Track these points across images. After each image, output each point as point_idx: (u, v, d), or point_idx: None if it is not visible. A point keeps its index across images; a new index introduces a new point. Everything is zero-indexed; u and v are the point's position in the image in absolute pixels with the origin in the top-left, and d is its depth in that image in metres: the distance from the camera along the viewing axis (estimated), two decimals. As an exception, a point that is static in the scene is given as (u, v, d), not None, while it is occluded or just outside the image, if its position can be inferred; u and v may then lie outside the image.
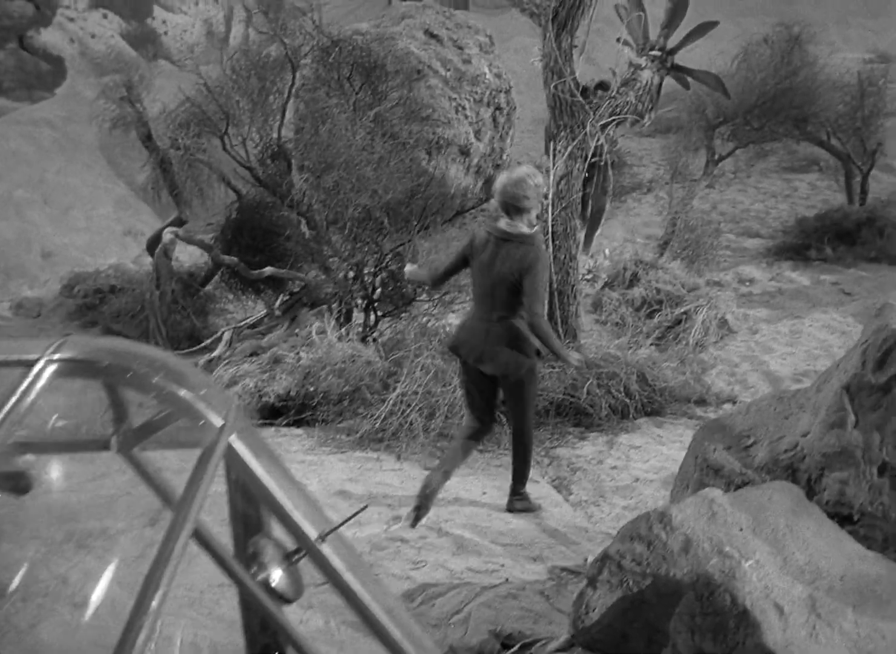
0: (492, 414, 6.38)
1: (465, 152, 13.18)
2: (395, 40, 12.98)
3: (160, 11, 17.88)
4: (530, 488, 6.90)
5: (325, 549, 2.12)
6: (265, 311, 10.19)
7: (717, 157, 12.00)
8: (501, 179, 5.82)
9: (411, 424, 7.12)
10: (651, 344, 10.08)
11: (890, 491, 5.11)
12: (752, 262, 12.66)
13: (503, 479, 7.06)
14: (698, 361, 9.52)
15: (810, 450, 5.28)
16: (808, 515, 4.96)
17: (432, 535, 6.00)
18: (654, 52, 8.49)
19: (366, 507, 4.61)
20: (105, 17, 17.04)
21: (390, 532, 5.91)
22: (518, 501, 6.49)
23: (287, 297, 10.10)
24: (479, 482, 6.92)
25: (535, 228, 6.09)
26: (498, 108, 13.57)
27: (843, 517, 5.20)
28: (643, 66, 8.46)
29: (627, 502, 7.08)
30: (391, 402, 7.17)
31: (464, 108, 13.10)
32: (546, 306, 6.27)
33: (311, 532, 2.10)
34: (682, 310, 10.26)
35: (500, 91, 13.58)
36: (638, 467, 7.56)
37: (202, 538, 1.80)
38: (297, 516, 2.06)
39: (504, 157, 13.80)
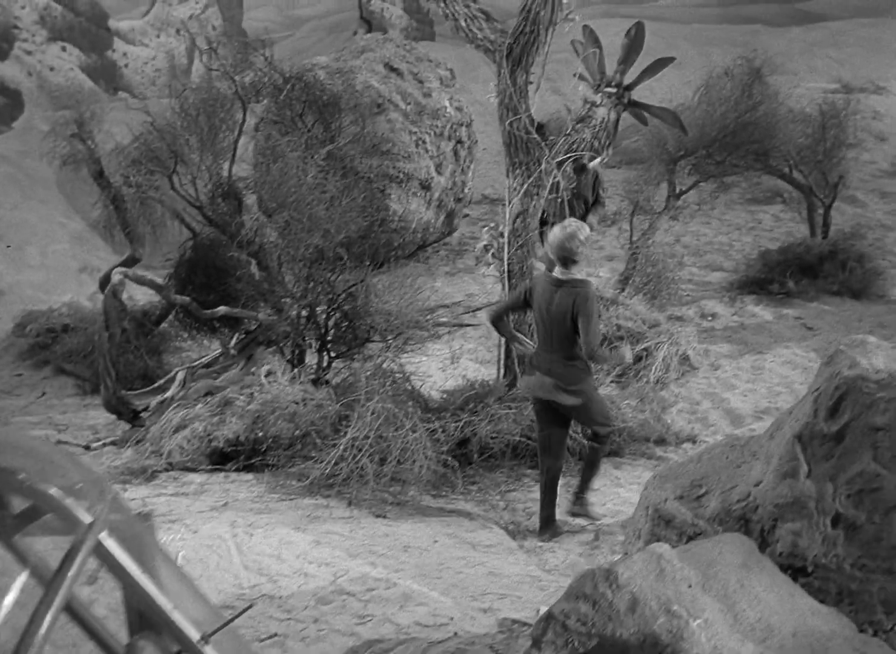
0: (564, 449, 7.24)
1: (425, 187, 13.07)
2: (354, 74, 12.90)
3: (120, 44, 17.73)
4: (483, 535, 6.77)
5: (209, 651, 1.97)
6: (220, 350, 10.01)
7: (678, 190, 11.93)
8: (556, 235, 6.49)
9: (362, 469, 6.95)
10: (612, 381, 9.98)
11: (844, 543, 4.99)
12: (715, 296, 12.59)
13: (456, 526, 6.91)
14: (659, 399, 9.42)
15: (763, 500, 5.16)
16: (760, 568, 4.83)
17: (380, 587, 5.83)
18: (608, 89, 8.40)
19: (251, 605, 4.68)
20: (64, 49, 16.88)
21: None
22: (579, 507, 7.20)
23: (243, 336, 9.93)
24: (431, 530, 6.76)
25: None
26: (459, 141, 13.48)
27: (796, 570, 5.07)
28: (598, 102, 8.37)
29: (582, 549, 6.93)
30: (342, 447, 7.01)
31: (424, 142, 13.00)
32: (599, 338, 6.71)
33: (194, 634, 1.94)
34: (643, 346, 10.16)
35: (462, 124, 13.51)
36: (594, 510, 7.42)
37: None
38: (178, 617, 1.90)
39: (466, 190, 13.72)
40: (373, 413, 6.99)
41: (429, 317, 11.54)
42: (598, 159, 9.17)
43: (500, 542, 6.76)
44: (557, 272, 6.60)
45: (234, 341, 9.99)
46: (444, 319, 11.81)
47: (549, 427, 6.97)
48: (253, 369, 9.08)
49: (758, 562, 4.84)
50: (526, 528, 7.20)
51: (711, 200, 16.07)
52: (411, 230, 13.18)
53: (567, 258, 6.46)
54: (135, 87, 17.74)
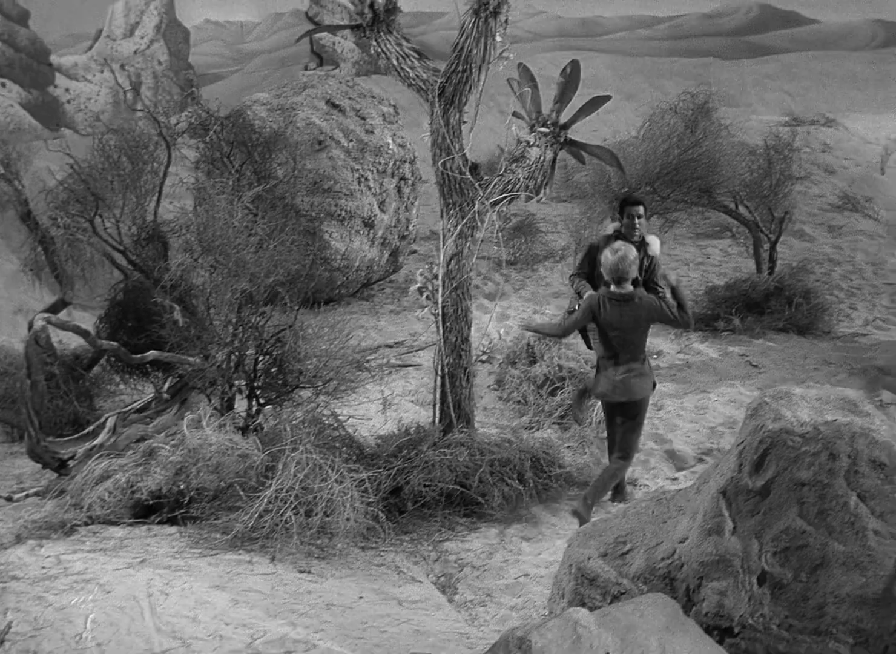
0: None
1: (368, 224, 12.90)
2: (295, 110, 12.74)
3: (63, 80, 17.49)
4: (412, 590, 6.57)
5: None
6: (153, 394, 9.77)
7: (621, 227, 11.80)
8: (609, 259, 7.64)
9: (286, 522, 6.72)
10: (554, 423, 9.82)
11: (770, 602, 4.82)
12: (661, 333, 12.46)
13: (384, 580, 6.71)
14: (599, 441, 9.25)
15: (688, 558, 4.99)
16: (683, 631, 4.65)
17: (299, 649, 5.60)
18: (542, 129, 8.28)
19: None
20: (3, 85, 16.62)
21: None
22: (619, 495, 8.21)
23: (176, 380, 9.69)
24: (357, 585, 6.54)
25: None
26: (403, 178, 13.34)
27: (723, 630, 4.90)
28: (531, 142, 8.24)
29: (515, 602, 6.75)
30: (265, 499, 6.78)
31: (367, 179, 12.84)
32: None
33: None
34: (586, 387, 9.99)
35: (405, 161, 13.37)
36: (529, 561, 7.24)
37: None
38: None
39: (411, 227, 13.57)
40: (297, 464, 6.76)
41: (369, 358, 11.38)
42: (657, 248, 9.05)
43: (429, 597, 6.55)
44: (615, 289, 7.73)
45: (167, 385, 9.76)
46: (387, 360, 11.63)
47: (616, 427, 8.03)
48: (187, 414, 8.84)
49: (681, 624, 4.66)
50: (457, 580, 7.01)
51: (660, 235, 16.03)
52: (354, 268, 12.99)
53: (621, 277, 7.65)
54: (78, 124, 17.49)
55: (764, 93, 32.30)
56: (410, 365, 11.39)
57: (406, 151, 13.39)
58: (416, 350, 11.78)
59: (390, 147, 13.18)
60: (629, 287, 7.74)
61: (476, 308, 13.35)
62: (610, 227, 9.36)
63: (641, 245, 9.07)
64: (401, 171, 13.31)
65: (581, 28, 37.29)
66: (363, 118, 13.08)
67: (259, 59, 30.80)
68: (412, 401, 10.41)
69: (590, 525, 5.40)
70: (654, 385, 8.28)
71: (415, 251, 15.42)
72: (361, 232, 12.87)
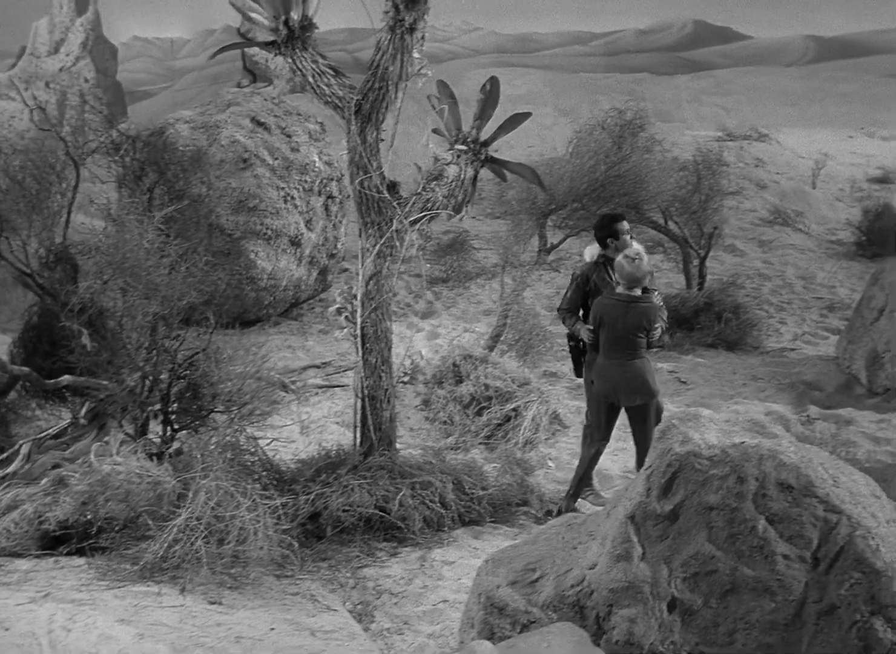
0: (610, 435, 8.57)
1: (295, 243, 12.74)
2: (219, 128, 12.55)
3: (-14, 98, 17.19)
4: (326, 620, 6.41)
5: None
6: (70, 420, 9.52)
7: (548, 245, 11.76)
8: (626, 268, 7.83)
9: (197, 552, 6.53)
10: (480, 443, 9.72)
11: (681, 629, 4.72)
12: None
13: (298, 610, 6.53)
14: (524, 461, 9.15)
15: (597, 585, 4.87)
16: (591, 662, 4.54)
17: (205, 685, 5.43)
18: (459, 147, 8.18)
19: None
20: (-76, 104, 16.30)
21: None
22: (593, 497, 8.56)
23: (94, 404, 9.45)
24: (269, 616, 6.36)
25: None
26: (330, 196, 13.19)
27: (634, 658, 4.80)
28: (448, 160, 8.14)
29: (433, 629, 6.60)
30: (175, 528, 6.58)
31: (293, 197, 12.68)
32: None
33: None
34: (512, 406, 9.91)
35: (332, 179, 13.23)
36: (449, 586, 7.09)
37: None
38: None
39: (339, 246, 13.41)
40: (206, 493, 6.58)
41: (295, 379, 11.22)
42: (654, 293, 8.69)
43: (344, 626, 6.38)
44: (623, 290, 7.98)
45: (84, 410, 9.51)
46: (313, 380, 11.46)
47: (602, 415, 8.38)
48: (105, 439, 8.62)
49: (589, 654, 4.55)
50: (374, 607, 6.85)
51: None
52: (282, 288, 12.82)
53: (633, 281, 7.90)
54: (1, 143, 17.17)
55: (698, 108, 32.59)
56: (337, 386, 11.23)
57: (333, 168, 13.25)
58: (344, 370, 11.62)
59: (316, 165, 13.04)
60: (639, 291, 7.98)
61: (407, 327, 13.27)
62: (588, 254, 8.79)
63: None
64: (328, 189, 13.17)
65: (517, 44, 37.39)
66: (289, 136, 12.93)
67: (190, 76, 30.52)
68: (338, 422, 10.25)
69: (499, 552, 5.28)
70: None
71: (346, 269, 15.26)
72: (288, 251, 12.71)
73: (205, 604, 6.40)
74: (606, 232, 8.57)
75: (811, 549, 4.52)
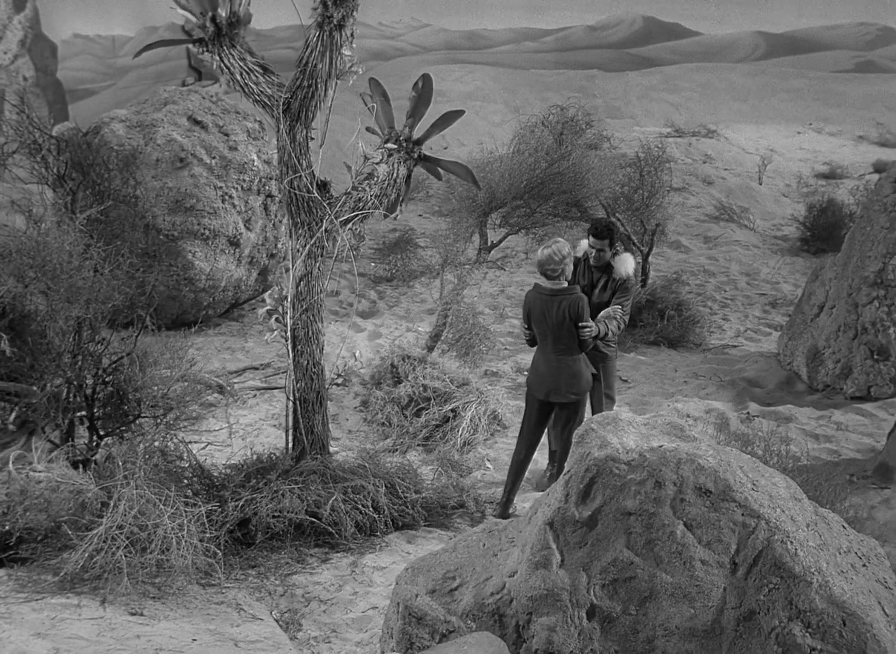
0: (538, 441, 8.59)
1: (234, 243, 12.56)
2: (155, 127, 12.34)
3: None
4: (251, 629, 6.27)
5: None
6: (-1, 425, 9.30)
7: (489, 243, 11.66)
8: (539, 254, 7.92)
9: (118, 562, 6.37)
10: (418, 445, 9.61)
11: (600, 637, 4.64)
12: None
13: (222, 619, 6.39)
14: (460, 463, 9.06)
15: (517, 593, 4.78)
16: (508, 672, 4.45)
17: (118, 700, 5.28)
18: (388, 145, 8.06)
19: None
20: None
21: None
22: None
23: (24, 410, 9.24)
24: (192, 626, 6.22)
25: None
26: (269, 195, 13.02)
27: (554, 667, 4.71)
28: (379, 159, 8.02)
29: (361, 637, 6.49)
30: (95, 538, 6.42)
31: (231, 196, 12.50)
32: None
33: None
34: (451, 407, 9.81)
35: (271, 178, 13.05)
36: (380, 592, 6.98)
37: None
38: None
39: (279, 245, 13.24)
40: (128, 501, 6.42)
41: (233, 381, 11.06)
42: (629, 267, 8.78)
43: (269, 636, 6.25)
44: (547, 284, 7.94)
45: (13, 415, 9.30)
46: (252, 382, 11.31)
47: (534, 418, 8.47)
48: (36, 445, 8.42)
49: (506, 665, 4.46)
50: (302, 615, 6.72)
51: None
52: (221, 289, 12.63)
53: (548, 274, 7.86)
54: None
55: (648, 104, 32.64)
56: (275, 388, 11.08)
57: (272, 167, 13.08)
58: (282, 372, 11.46)
59: (255, 164, 12.86)
60: (562, 283, 7.92)
61: (349, 327, 13.13)
62: (580, 248, 8.95)
63: (606, 269, 8.84)
64: (267, 188, 12.99)
65: (467, 41, 37.30)
66: (227, 134, 12.74)
67: (133, 74, 30.11)
68: (275, 426, 10.11)
69: (418, 561, 5.17)
70: (592, 380, 8.53)
71: (289, 269, 15.08)
72: (227, 251, 12.53)
73: (125, 615, 6.25)
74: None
75: (730, 554, 4.46)
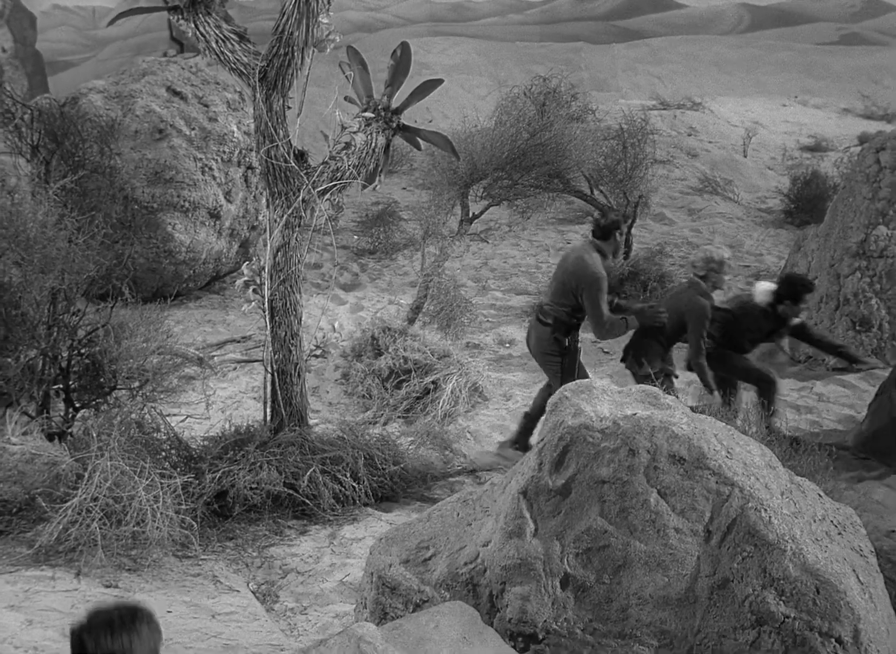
0: None
1: (214, 215, 12.47)
2: (134, 98, 12.23)
3: None
4: (227, 601, 6.25)
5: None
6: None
7: (470, 215, 11.59)
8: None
9: (93, 534, 6.33)
10: (399, 417, 9.58)
11: (574, 606, 4.61)
12: (516, 321, 12.30)
13: (198, 591, 6.36)
14: (441, 434, 9.03)
15: (490, 562, 4.75)
16: (481, 641, 4.42)
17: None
18: (366, 114, 7.98)
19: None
20: None
21: None
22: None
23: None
24: (167, 598, 6.18)
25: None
26: (250, 167, 12.92)
27: (527, 637, 4.67)
28: (356, 128, 7.94)
29: (338, 608, 6.47)
30: (71, 510, 6.37)
31: (211, 168, 12.40)
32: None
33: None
34: (431, 379, 9.77)
35: (252, 149, 12.94)
36: (357, 564, 6.95)
37: None
38: None
39: (260, 218, 13.15)
40: (102, 473, 6.38)
41: (213, 354, 11.00)
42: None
43: (245, 607, 6.22)
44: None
45: (-10, 388, 9.24)
46: (232, 355, 11.25)
47: None
48: (11, 416, 8.37)
49: (479, 634, 4.43)
50: (279, 587, 6.70)
51: (523, 221, 15.89)
52: (202, 261, 12.55)
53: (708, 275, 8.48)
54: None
55: (633, 77, 32.55)
56: (256, 360, 11.01)
57: (252, 138, 12.98)
58: (263, 345, 11.41)
59: (235, 135, 12.77)
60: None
61: (331, 300, 13.07)
62: (762, 291, 8.88)
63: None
64: (247, 159, 12.90)
65: (452, 13, 37.08)
66: (206, 105, 12.63)
67: (114, 45, 29.87)
68: (255, 398, 10.06)
69: (392, 530, 5.14)
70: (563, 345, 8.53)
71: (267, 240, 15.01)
72: (207, 223, 12.44)
73: (100, 588, 6.22)
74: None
75: (703, 522, 4.43)
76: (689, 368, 8.65)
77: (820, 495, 5.01)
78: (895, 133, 11.01)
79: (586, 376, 8.41)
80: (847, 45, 35.51)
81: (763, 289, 8.86)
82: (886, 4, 36.47)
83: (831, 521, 4.83)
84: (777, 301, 8.67)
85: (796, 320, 8.83)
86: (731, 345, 8.70)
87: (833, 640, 4.23)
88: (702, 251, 8.64)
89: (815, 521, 4.65)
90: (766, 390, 8.68)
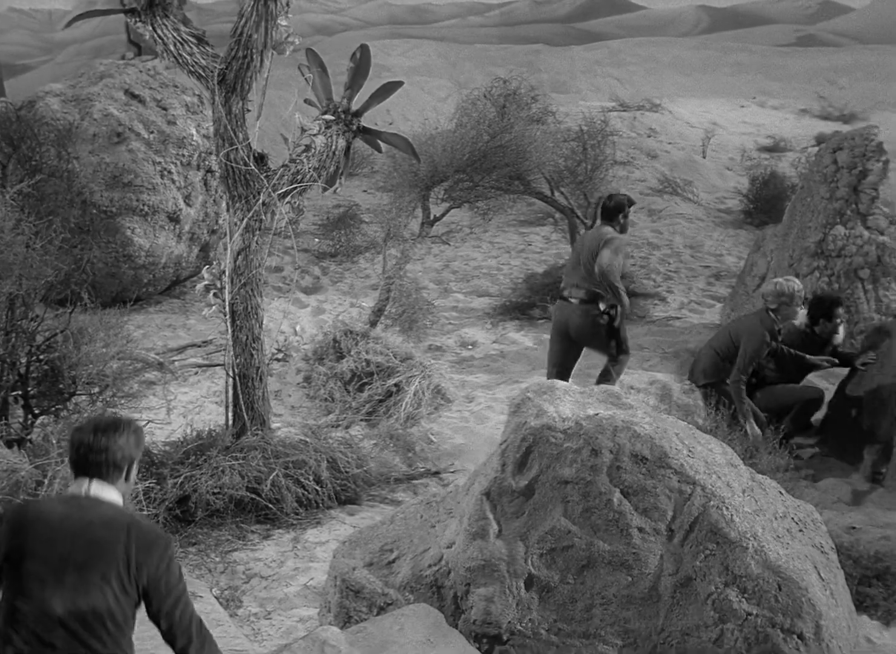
0: None
1: (174, 219, 12.39)
2: (92, 101, 12.14)
3: None
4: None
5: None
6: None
7: (432, 217, 11.59)
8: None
9: (53, 541, 6.26)
10: (361, 420, 9.56)
11: (538, 607, 4.62)
12: (478, 323, 12.31)
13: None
14: (404, 436, 9.02)
15: (455, 564, 4.75)
16: (445, 643, 4.41)
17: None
18: (325, 117, 7.97)
19: None
20: None
21: None
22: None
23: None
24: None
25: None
26: (209, 170, 12.85)
27: (492, 638, 4.68)
28: (316, 131, 7.92)
29: (302, 612, 6.44)
30: (30, 518, 6.30)
31: (170, 172, 12.32)
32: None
33: None
34: (394, 382, 9.75)
35: (211, 153, 12.87)
36: (321, 567, 6.91)
37: None
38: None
39: (220, 221, 13.08)
40: (62, 479, 6.32)
41: (174, 358, 10.94)
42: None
43: (209, 612, 6.15)
44: None
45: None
46: (193, 359, 11.19)
47: None
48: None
49: (443, 636, 4.42)
50: (243, 592, 6.66)
51: (484, 223, 15.89)
52: (161, 265, 12.47)
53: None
54: None
55: (593, 79, 32.70)
56: (217, 365, 10.94)
57: (212, 142, 12.91)
58: (224, 349, 11.35)
59: (194, 138, 12.69)
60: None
61: (292, 303, 13.03)
62: (800, 317, 9.09)
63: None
64: (207, 163, 12.82)
65: (412, 15, 37.09)
66: (165, 109, 12.55)
67: (72, 48, 29.64)
68: (217, 402, 10.00)
69: (356, 533, 5.13)
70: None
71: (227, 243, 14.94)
72: (167, 227, 12.36)
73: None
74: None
75: (666, 521, 4.46)
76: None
77: (781, 493, 5.05)
78: (852, 133, 11.10)
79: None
80: (804, 47, 35.86)
81: (801, 314, 9.11)
82: (841, 6, 36.85)
83: (792, 518, 4.87)
84: (813, 323, 8.95)
85: (839, 338, 9.07)
86: (785, 377, 8.89)
87: (795, 636, 4.27)
88: (772, 284, 8.56)
89: (776, 518, 4.68)
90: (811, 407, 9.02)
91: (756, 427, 8.36)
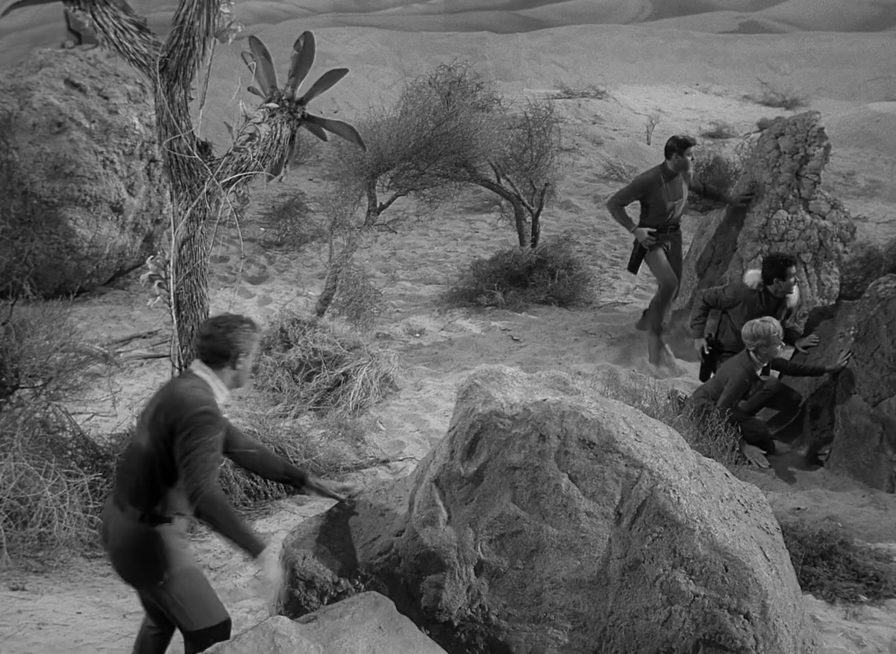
0: None
1: (117, 209, 12.24)
2: (31, 91, 11.96)
3: None
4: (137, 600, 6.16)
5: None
6: None
7: (378, 205, 11.56)
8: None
9: (-3, 537, 6.20)
10: (310, 409, 9.53)
11: (489, 592, 4.63)
12: (425, 311, 12.30)
13: (109, 591, 6.27)
14: (353, 425, 9.00)
15: (405, 552, 4.75)
16: (396, 630, 4.41)
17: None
18: (269, 105, 7.91)
19: None
20: None
21: None
22: None
23: None
24: (77, 599, 6.09)
25: None
26: (153, 160, 12.71)
27: (443, 624, 4.69)
28: (260, 119, 7.86)
29: (252, 603, 6.41)
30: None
31: (112, 161, 12.16)
32: None
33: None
34: (342, 371, 9.72)
35: (154, 142, 12.73)
36: (271, 558, 6.89)
37: None
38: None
39: (164, 211, 12.95)
40: (6, 473, 6.24)
41: (119, 350, 10.83)
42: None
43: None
44: None
45: None
46: (139, 351, 11.09)
47: None
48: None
49: (395, 624, 4.42)
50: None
51: (431, 210, 15.85)
52: (105, 256, 12.31)
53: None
54: None
55: (538, 66, 32.70)
56: (163, 356, 10.86)
57: (154, 131, 12.77)
58: (170, 340, 11.25)
59: (137, 128, 12.54)
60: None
61: (238, 293, 12.94)
62: (750, 275, 9.57)
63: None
64: (150, 152, 12.68)
65: (355, 3, 36.85)
66: (106, 98, 12.39)
67: (9, 37, 29.17)
68: (163, 394, 9.91)
69: (305, 523, 5.11)
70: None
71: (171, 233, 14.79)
72: (110, 218, 12.21)
73: (6, 591, 6.10)
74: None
75: (614, 505, 4.48)
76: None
77: (727, 475, 5.10)
78: (794, 119, 11.20)
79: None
80: (746, 34, 36.09)
81: (751, 274, 9.47)
82: (783, -7, 37.14)
83: (738, 500, 4.92)
84: (767, 282, 9.24)
85: (793, 298, 9.44)
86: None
87: (742, 616, 4.31)
88: (748, 326, 8.65)
89: (722, 500, 4.73)
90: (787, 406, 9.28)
91: (755, 451, 8.60)
